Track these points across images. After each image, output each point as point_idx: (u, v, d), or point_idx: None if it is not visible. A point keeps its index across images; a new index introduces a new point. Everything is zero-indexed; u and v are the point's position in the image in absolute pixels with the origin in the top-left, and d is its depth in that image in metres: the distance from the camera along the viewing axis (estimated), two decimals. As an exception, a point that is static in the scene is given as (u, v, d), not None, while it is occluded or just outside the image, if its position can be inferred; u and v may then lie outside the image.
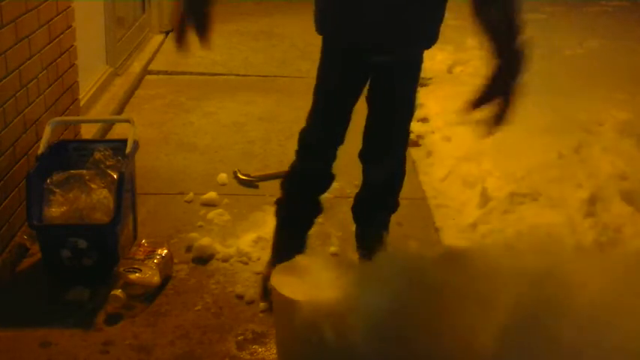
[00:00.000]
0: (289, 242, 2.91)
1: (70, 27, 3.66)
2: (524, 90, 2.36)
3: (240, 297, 2.89)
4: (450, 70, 5.97)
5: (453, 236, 3.44)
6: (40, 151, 3.01)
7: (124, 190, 2.94)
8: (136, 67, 5.41)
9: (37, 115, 3.26)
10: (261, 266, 3.06)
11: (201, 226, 3.39)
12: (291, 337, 2.27)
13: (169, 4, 6.58)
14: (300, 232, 2.98)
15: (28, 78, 3.15)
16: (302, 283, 2.24)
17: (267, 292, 2.82)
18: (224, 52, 6.13)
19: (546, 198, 3.75)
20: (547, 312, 1.83)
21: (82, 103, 4.09)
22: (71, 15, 3.68)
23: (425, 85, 5.61)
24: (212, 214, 3.47)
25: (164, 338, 2.65)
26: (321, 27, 2.62)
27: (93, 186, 3.01)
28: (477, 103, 2.27)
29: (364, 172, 2.91)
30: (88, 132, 3.96)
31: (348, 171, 3.14)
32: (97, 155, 3.13)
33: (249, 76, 5.51)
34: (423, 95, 5.34)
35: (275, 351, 2.58)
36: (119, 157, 3.12)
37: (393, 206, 3.03)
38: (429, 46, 2.69)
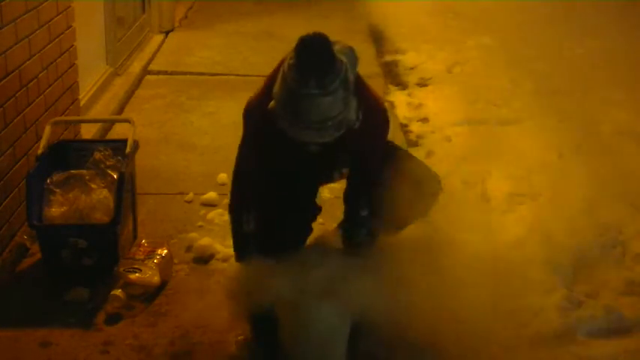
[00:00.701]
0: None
1: (70, 27, 3.67)
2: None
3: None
4: (449, 70, 5.97)
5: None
6: (40, 151, 3.01)
7: (124, 190, 2.94)
8: (136, 67, 5.41)
9: (37, 115, 3.26)
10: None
11: (201, 226, 3.39)
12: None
13: (169, 5, 6.60)
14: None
15: (28, 78, 3.15)
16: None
17: None
18: (224, 52, 6.13)
19: (546, 198, 3.75)
20: None
21: (82, 103, 4.09)
22: (71, 15, 3.68)
23: (425, 85, 5.61)
24: (212, 214, 3.47)
25: (164, 338, 2.65)
26: None
27: (93, 186, 3.01)
28: None
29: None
30: (88, 132, 3.96)
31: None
32: (97, 155, 3.13)
33: (249, 76, 5.51)
34: (423, 95, 5.35)
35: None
36: (119, 157, 3.12)
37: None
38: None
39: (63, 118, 3.57)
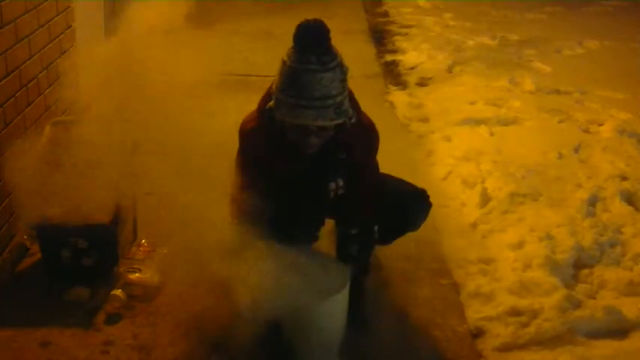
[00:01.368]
0: None
1: (70, 27, 3.67)
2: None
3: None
4: (450, 70, 5.97)
5: (453, 236, 3.44)
6: (40, 151, 3.01)
7: (124, 190, 2.94)
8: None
9: (37, 115, 3.26)
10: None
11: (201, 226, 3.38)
12: None
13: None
14: None
15: (28, 78, 3.15)
16: None
17: None
18: (224, 52, 6.13)
19: (546, 198, 3.75)
20: None
21: (81, 103, 4.08)
22: (71, 15, 3.68)
23: (425, 85, 5.62)
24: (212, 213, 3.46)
25: (164, 338, 2.65)
26: None
27: (93, 186, 3.00)
28: None
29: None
30: (88, 132, 3.95)
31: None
32: (97, 155, 3.12)
33: (249, 76, 5.51)
34: (423, 95, 5.36)
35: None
36: (119, 157, 3.11)
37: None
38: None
39: (63, 118, 3.56)
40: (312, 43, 2.38)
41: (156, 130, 3.78)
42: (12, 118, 3.01)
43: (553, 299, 2.90)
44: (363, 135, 2.62)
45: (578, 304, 2.92)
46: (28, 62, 3.14)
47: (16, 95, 3.04)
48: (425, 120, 4.91)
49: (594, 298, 3.03)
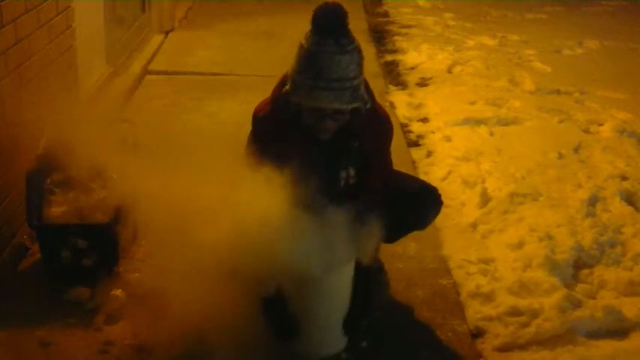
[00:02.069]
0: None
1: (69, 27, 3.66)
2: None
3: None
4: (449, 70, 5.98)
5: (453, 236, 3.44)
6: (40, 151, 3.01)
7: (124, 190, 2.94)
8: (136, 67, 5.41)
9: (37, 115, 3.26)
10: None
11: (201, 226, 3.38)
12: None
13: (169, 5, 6.60)
14: None
15: (28, 78, 3.15)
16: None
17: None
18: (224, 52, 6.14)
19: (546, 198, 3.75)
20: None
21: (82, 103, 4.08)
22: (71, 15, 3.68)
23: (425, 85, 5.62)
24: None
25: (164, 338, 2.65)
26: None
27: (93, 186, 3.01)
28: None
29: None
30: (88, 132, 3.95)
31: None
32: (97, 155, 3.13)
33: (249, 76, 5.51)
34: (423, 95, 5.36)
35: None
36: (119, 157, 3.11)
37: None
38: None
39: (63, 118, 3.56)
40: (330, 26, 2.40)
41: (156, 130, 3.78)
42: (12, 118, 3.00)
43: (553, 299, 2.90)
44: (377, 123, 2.62)
45: (578, 304, 2.92)
46: (28, 62, 3.14)
47: (16, 95, 3.04)
48: (425, 120, 4.91)
49: (594, 298, 3.03)
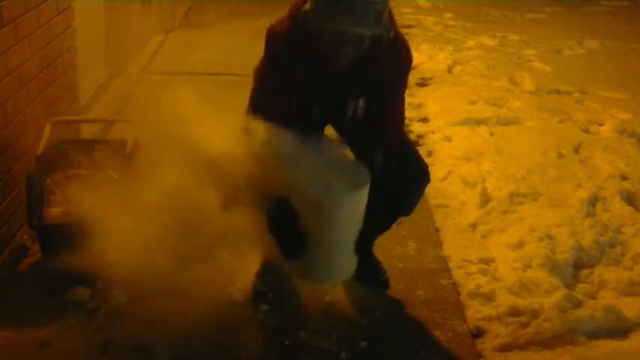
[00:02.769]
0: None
1: (69, 27, 3.66)
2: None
3: (240, 297, 2.89)
4: (450, 70, 5.98)
5: (453, 236, 3.44)
6: (40, 151, 3.01)
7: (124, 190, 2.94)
8: (136, 67, 5.41)
9: (37, 115, 3.26)
10: (261, 266, 3.06)
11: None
12: None
13: (169, 5, 6.60)
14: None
15: (28, 78, 3.15)
16: None
17: (258, 298, 2.86)
18: (224, 52, 6.14)
19: (546, 198, 3.75)
20: None
21: (81, 103, 4.09)
22: (71, 15, 3.68)
23: (425, 85, 5.62)
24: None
25: (164, 338, 2.65)
26: None
27: (93, 186, 3.00)
28: None
29: None
30: (88, 132, 3.96)
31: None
32: (97, 155, 3.13)
33: (249, 75, 5.49)
34: (423, 95, 5.35)
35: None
36: (119, 157, 3.11)
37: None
38: None
39: (63, 118, 3.56)
40: None
41: (156, 133, 3.77)
42: (12, 118, 3.01)
43: (553, 299, 2.90)
44: (396, 57, 2.50)
45: (578, 304, 2.92)
46: (28, 62, 3.14)
47: (16, 95, 3.04)
48: (425, 120, 4.91)
49: (594, 298, 3.03)
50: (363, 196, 2.48)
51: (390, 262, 3.14)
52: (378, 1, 2.29)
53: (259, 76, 2.57)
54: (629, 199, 3.82)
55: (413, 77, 5.79)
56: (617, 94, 5.50)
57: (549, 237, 3.35)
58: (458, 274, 3.13)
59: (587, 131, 4.74)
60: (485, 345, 2.74)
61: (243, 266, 3.06)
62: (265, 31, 2.64)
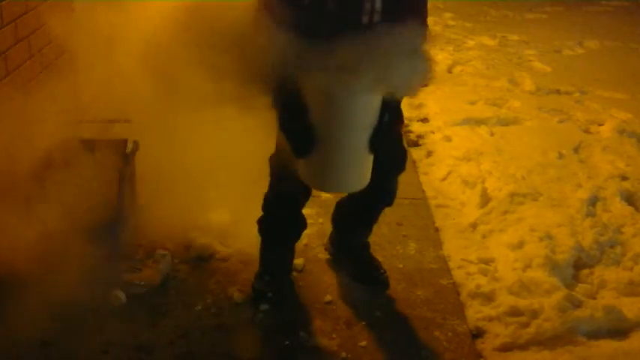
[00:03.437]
0: (276, 257, 2.93)
1: (70, 27, 3.66)
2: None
3: (240, 297, 2.89)
4: (450, 70, 5.98)
5: (453, 236, 3.44)
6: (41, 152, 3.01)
7: (124, 190, 2.94)
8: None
9: (37, 114, 3.25)
10: (261, 266, 3.06)
11: (201, 226, 3.38)
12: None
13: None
14: (286, 247, 2.96)
15: (28, 78, 3.15)
16: None
17: (258, 298, 2.86)
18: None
19: (546, 198, 3.75)
20: None
21: (82, 103, 4.08)
22: (71, 15, 3.67)
23: (425, 85, 5.61)
24: (212, 213, 3.46)
25: (164, 338, 2.65)
26: None
27: (93, 186, 3.00)
28: None
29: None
30: (87, 132, 3.95)
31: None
32: (97, 155, 3.13)
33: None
34: (423, 95, 5.35)
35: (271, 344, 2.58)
36: (119, 157, 3.11)
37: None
38: None
39: (63, 118, 3.56)
40: None
41: (158, 133, 3.78)
42: (12, 119, 3.00)
43: (553, 299, 2.90)
44: None
45: (578, 304, 2.92)
46: (28, 62, 3.14)
47: (16, 95, 3.03)
48: (425, 120, 4.92)
49: (594, 298, 3.03)
50: (372, 99, 2.45)
51: (390, 262, 3.14)
52: None
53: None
54: (629, 199, 3.82)
55: (413, 77, 5.80)
56: (617, 94, 5.50)
57: (549, 237, 3.35)
58: (458, 274, 3.13)
59: (587, 131, 4.74)
60: (485, 345, 2.74)
61: (244, 268, 3.07)
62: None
